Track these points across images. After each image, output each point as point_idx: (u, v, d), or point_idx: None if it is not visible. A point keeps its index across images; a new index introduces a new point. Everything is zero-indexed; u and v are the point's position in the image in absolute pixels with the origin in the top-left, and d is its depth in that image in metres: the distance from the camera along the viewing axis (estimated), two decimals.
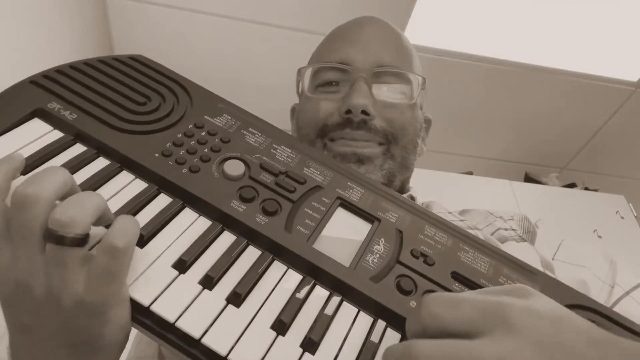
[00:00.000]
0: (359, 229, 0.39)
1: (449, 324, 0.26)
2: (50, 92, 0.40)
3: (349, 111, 0.54)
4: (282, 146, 0.43)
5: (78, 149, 0.38)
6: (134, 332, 0.60)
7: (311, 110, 0.59)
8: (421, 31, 1.66)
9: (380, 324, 0.34)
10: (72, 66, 0.43)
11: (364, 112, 0.54)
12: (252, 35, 1.66)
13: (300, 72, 0.62)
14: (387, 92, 0.57)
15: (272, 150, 0.42)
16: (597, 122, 1.98)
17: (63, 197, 0.30)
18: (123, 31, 1.66)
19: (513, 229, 0.61)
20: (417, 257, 0.38)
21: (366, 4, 1.57)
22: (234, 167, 0.39)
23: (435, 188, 1.54)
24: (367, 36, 0.59)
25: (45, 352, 0.31)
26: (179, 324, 0.30)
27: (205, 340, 0.30)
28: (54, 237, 0.28)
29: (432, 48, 1.70)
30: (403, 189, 0.63)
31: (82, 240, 0.28)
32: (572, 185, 2.05)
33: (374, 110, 0.55)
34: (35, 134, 0.38)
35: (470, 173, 2.00)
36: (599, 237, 1.74)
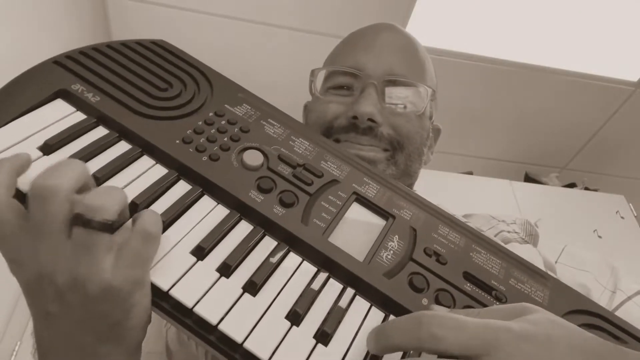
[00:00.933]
0: (374, 224, 0.40)
1: (448, 348, 0.27)
2: (73, 74, 0.40)
3: (355, 117, 0.55)
4: (300, 138, 0.43)
5: (100, 131, 0.38)
6: None
7: (319, 110, 0.59)
8: (421, 31, 1.66)
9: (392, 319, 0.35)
10: (95, 48, 0.43)
11: (371, 120, 0.55)
12: (252, 35, 1.66)
13: (313, 73, 0.62)
14: (395, 101, 0.58)
15: (290, 142, 0.42)
16: (597, 122, 1.98)
17: (81, 188, 0.31)
18: (123, 31, 1.66)
19: (516, 232, 0.62)
20: (430, 256, 0.38)
21: (366, 4, 1.57)
22: (253, 158, 0.40)
23: (435, 188, 1.54)
24: (381, 44, 0.59)
25: (72, 338, 0.32)
26: (196, 309, 0.31)
27: (222, 327, 0.30)
28: (83, 221, 0.29)
29: (432, 48, 1.70)
30: None
31: (110, 226, 0.29)
32: (572, 185, 2.05)
33: (381, 118, 0.56)
34: (59, 114, 0.38)
35: (470, 173, 2.00)
36: (599, 237, 1.74)
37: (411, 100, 0.59)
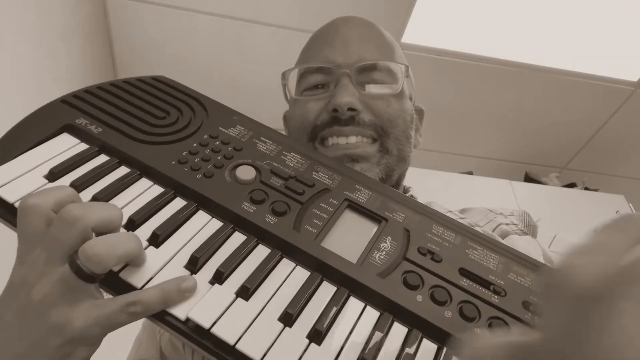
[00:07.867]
0: (367, 228, 0.40)
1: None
2: (78, 110, 0.44)
3: (335, 109, 0.54)
4: (292, 153, 0.45)
5: (102, 159, 0.41)
6: (134, 335, 0.60)
7: (300, 113, 0.58)
8: (421, 31, 1.66)
9: (387, 317, 0.35)
10: (100, 87, 0.47)
11: (351, 109, 0.54)
12: (251, 35, 1.66)
13: (284, 76, 0.61)
14: (372, 86, 0.57)
15: (282, 156, 0.44)
16: (597, 122, 1.98)
17: (105, 232, 0.33)
18: (122, 30, 1.66)
19: (514, 224, 0.61)
20: (424, 254, 0.39)
21: (366, 5, 1.57)
22: (246, 172, 0.41)
23: (435, 188, 1.54)
24: (343, 36, 0.59)
25: None
26: (190, 315, 0.32)
27: (215, 330, 0.31)
28: (72, 264, 0.30)
29: (432, 48, 1.70)
30: (399, 184, 0.63)
31: (94, 279, 0.31)
32: (572, 185, 2.05)
33: (360, 105, 0.55)
34: (64, 146, 0.41)
35: (470, 173, 2.00)
36: None
37: (387, 81, 0.58)
